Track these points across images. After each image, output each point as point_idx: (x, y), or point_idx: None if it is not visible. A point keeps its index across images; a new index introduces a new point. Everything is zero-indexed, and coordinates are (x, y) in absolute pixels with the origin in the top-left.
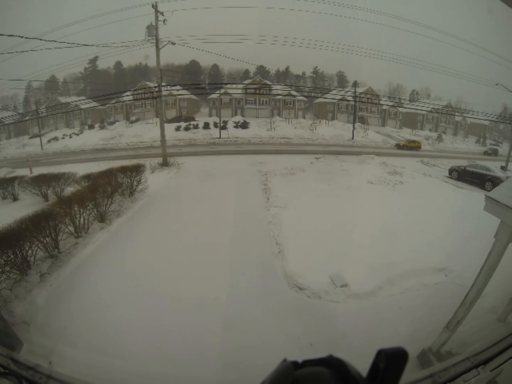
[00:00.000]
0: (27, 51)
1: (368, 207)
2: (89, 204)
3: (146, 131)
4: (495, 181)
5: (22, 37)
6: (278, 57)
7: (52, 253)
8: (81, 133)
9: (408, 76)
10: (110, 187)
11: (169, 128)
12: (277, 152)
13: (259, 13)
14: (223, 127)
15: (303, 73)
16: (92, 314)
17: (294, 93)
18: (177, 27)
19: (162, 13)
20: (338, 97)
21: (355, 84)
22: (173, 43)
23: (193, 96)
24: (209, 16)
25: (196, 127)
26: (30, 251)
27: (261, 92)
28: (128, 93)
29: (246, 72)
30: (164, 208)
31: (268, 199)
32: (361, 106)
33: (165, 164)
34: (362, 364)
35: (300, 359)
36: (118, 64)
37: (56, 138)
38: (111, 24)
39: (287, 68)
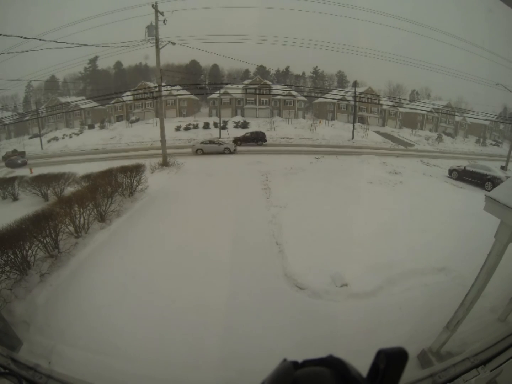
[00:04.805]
0: (27, 51)
1: (368, 207)
2: (89, 204)
3: (146, 131)
4: (495, 181)
5: (22, 37)
6: (278, 57)
7: (52, 253)
8: (81, 133)
9: (408, 76)
10: (110, 187)
11: (169, 128)
12: (277, 152)
13: (259, 13)
14: (223, 127)
15: (303, 73)
16: (92, 314)
17: (294, 93)
18: (177, 27)
19: (162, 13)
20: (338, 97)
21: (355, 84)
22: (173, 43)
23: (193, 96)
24: (209, 16)
25: (196, 127)
26: (30, 251)
27: (261, 92)
28: (128, 93)
29: (246, 72)
30: (164, 208)
31: (268, 198)
32: (361, 106)
33: (165, 164)
34: (362, 364)
35: (300, 359)
36: (118, 64)
37: (56, 138)
38: (111, 24)
39: (287, 68)
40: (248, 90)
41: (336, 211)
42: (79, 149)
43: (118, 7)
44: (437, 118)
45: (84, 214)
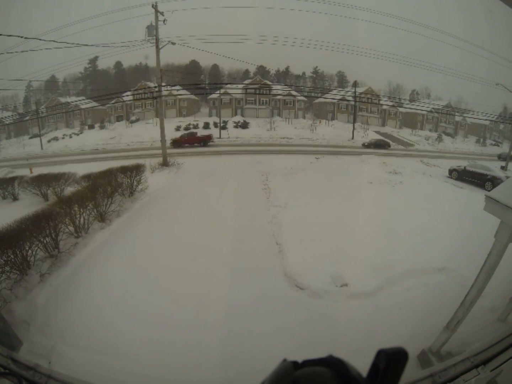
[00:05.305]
0: (27, 51)
1: (368, 207)
2: (89, 204)
3: (146, 131)
4: (495, 181)
5: (22, 37)
6: (278, 57)
7: (52, 253)
8: (81, 133)
9: (408, 76)
10: (110, 187)
11: (169, 128)
12: (277, 152)
13: (259, 13)
14: (223, 127)
15: (303, 73)
16: (92, 314)
17: (294, 93)
18: (177, 27)
19: (162, 13)
20: (338, 97)
21: (355, 84)
22: (173, 43)
23: (193, 96)
24: (209, 16)
25: (196, 127)
26: (30, 251)
27: (261, 92)
28: (128, 93)
29: (246, 72)
30: (164, 208)
31: (268, 198)
32: (361, 106)
33: (165, 164)
34: (362, 364)
35: (300, 359)
36: (118, 64)
37: (56, 138)
38: (111, 24)
39: (287, 68)
40: (248, 90)
41: (336, 211)
42: (79, 149)
43: (118, 7)
44: (437, 118)
45: (84, 214)
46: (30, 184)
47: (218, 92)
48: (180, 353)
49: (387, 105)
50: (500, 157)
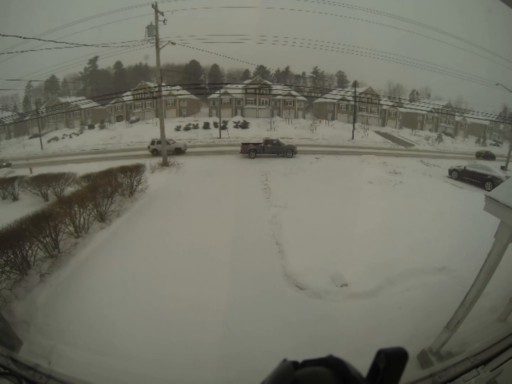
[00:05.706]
0: (27, 51)
1: (368, 207)
2: (89, 204)
3: (146, 131)
4: (495, 181)
5: (22, 37)
6: (278, 57)
7: (52, 253)
8: (81, 133)
9: (408, 76)
10: (110, 187)
11: (169, 128)
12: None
13: (259, 13)
14: (223, 127)
15: (303, 73)
16: (92, 314)
17: (294, 93)
18: (177, 27)
19: (162, 13)
20: (338, 97)
21: (355, 84)
22: (173, 43)
23: (193, 96)
24: (209, 16)
25: (196, 127)
26: (30, 251)
27: (261, 92)
28: (128, 93)
29: (246, 72)
30: (164, 208)
31: (268, 198)
32: (361, 106)
33: (165, 164)
34: (362, 364)
35: (300, 359)
36: (118, 64)
37: (56, 138)
38: (111, 24)
39: (287, 68)
40: (248, 90)
41: (336, 211)
42: (79, 149)
43: (118, 7)
44: (437, 118)
45: (84, 214)
46: (30, 184)
47: (218, 92)
48: (180, 353)
49: (387, 105)
50: (479, 155)
